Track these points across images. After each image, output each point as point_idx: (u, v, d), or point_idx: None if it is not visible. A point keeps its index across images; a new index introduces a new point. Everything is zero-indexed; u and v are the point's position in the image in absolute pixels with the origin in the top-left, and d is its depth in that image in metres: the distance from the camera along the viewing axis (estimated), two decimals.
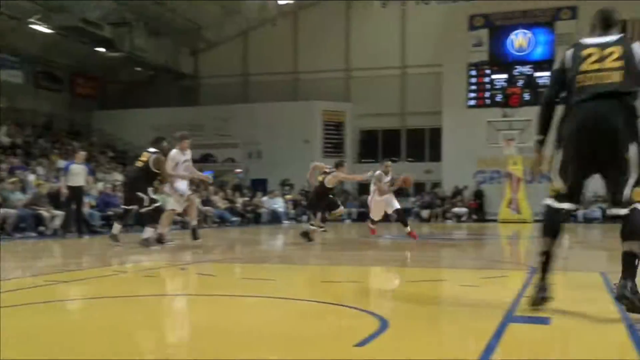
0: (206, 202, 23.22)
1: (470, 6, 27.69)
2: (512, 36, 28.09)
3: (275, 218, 24.46)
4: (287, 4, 28.38)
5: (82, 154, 14.86)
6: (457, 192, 27.13)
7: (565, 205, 4.20)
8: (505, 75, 28.04)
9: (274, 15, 29.63)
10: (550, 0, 26.90)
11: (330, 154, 29.73)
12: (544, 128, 4.34)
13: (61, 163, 19.15)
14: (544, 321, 3.95)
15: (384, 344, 3.41)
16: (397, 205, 12.40)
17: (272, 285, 6.17)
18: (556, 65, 4.39)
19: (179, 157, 10.66)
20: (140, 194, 10.45)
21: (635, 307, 3.85)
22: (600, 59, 4.11)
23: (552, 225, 4.27)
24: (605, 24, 4.35)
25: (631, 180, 3.99)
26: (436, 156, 29.10)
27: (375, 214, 12.66)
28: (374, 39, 29.86)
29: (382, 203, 12.42)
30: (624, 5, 25.22)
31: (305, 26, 30.79)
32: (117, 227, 10.98)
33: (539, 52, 27.79)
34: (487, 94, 28.26)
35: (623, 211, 3.99)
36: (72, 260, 9.44)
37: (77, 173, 14.21)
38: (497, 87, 28.19)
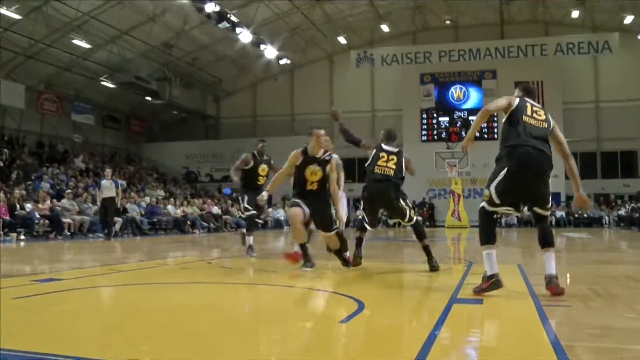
0: (226, 211, 23.14)
1: (421, 67, 28.03)
2: (452, 90, 28.46)
3: (278, 225, 24.37)
4: (285, 63, 28.53)
5: (108, 171, 14.41)
6: (414, 205, 27.21)
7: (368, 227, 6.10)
8: (447, 118, 28.32)
9: (275, 72, 29.82)
10: (477, 63, 27.38)
11: None
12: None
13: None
14: (479, 302, 4.02)
15: (362, 320, 3.46)
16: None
17: (274, 276, 6.18)
18: (369, 161, 6.09)
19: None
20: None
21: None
22: (387, 160, 5.91)
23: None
24: (388, 138, 6.14)
25: (407, 212, 5.93)
26: None
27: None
28: (350, 89, 30.06)
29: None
30: (530, 69, 25.86)
31: (300, 79, 30.94)
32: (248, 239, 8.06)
33: (471, 102, 28.16)
34: (435, 132, 28.51)
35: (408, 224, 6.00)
36: (128, 255, 9.39)
37: (108, 187, 13.90)
38: (442, 127, 28.43)
